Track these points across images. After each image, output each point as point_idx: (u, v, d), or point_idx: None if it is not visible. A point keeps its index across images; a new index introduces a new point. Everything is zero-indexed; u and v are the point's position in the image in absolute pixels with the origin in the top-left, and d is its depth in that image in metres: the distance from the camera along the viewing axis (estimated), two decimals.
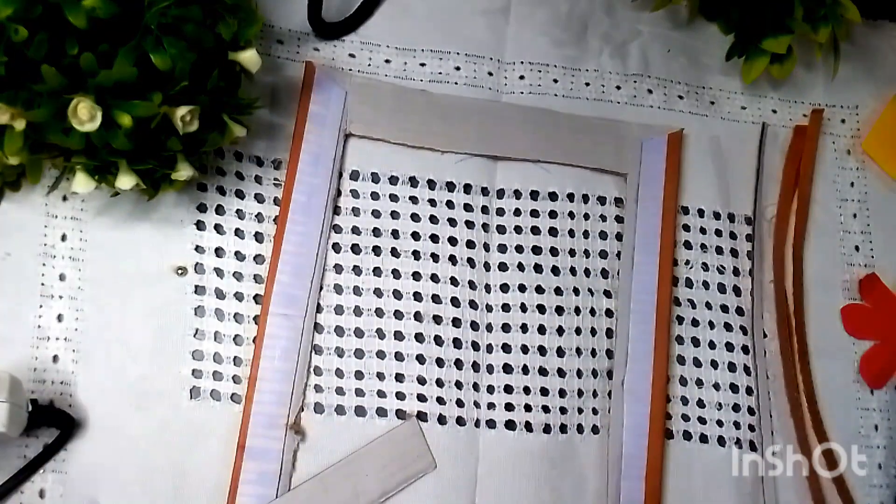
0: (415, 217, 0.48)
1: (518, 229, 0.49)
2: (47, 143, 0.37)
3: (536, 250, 0.49)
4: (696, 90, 0.55)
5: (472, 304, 0.47)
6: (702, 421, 0.48)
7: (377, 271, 0.47)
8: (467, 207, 0.49)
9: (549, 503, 0.45)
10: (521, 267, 0.49)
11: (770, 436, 0.48)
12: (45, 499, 0.40)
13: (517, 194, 0.50)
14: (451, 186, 0.49)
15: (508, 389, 0.46)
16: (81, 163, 0.39)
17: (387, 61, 0.51)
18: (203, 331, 0.44)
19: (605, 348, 0.48)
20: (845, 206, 0.54)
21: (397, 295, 0.47)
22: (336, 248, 0.47)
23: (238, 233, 0.46)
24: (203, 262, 0.45)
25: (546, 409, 0.46)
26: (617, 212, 0.51)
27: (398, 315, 0.47)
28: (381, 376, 0.45)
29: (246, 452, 0.42)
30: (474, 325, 0.47)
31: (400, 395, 0.45)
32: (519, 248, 0.49)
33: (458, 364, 0.46)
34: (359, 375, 0.45)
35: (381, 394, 0.45)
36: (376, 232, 0.48)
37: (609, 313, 0.49)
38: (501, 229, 0.49)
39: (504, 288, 0.48)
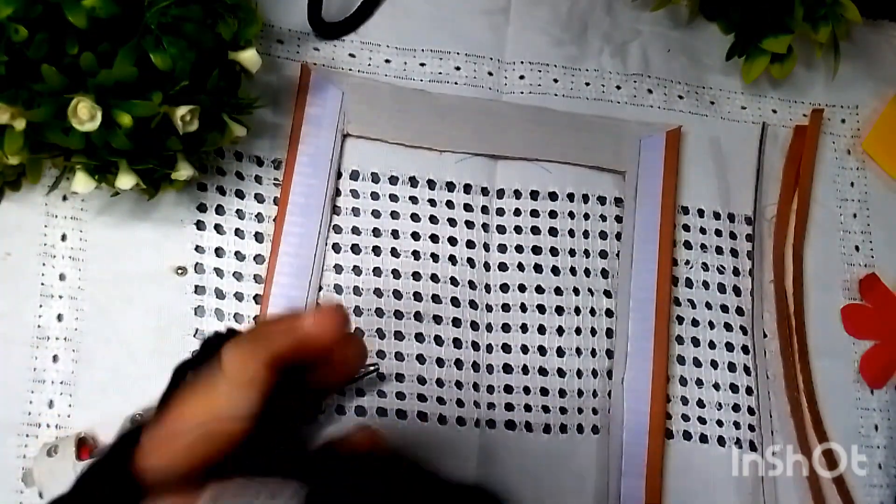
0: (415, 217, 0.48)
1: (518, 229, 0.49)
2: (47, 142, 0.37)
3: (536, 250, 0.49)
4: (696, 90, 0.55)
5: (472, 304, 0.47)
6: (702, 421, 0.48)
7: (377, 271, 0.47)
8: (467, 207, 0.49)
9: (548, 503, 0.45)
10: (521, 267, 0.49)
11: (770, 436, 0.48)
12: (44, 498, 0.40)
13: (517, 194, 0.50)
14: (450, 186, 0.49)
15: (508, 389, 0.46)
16: (81, 162, 0.39)
17: (387, 61, 0.51)
18: (203, 331, 0.44)
19: (605, 348, 0.48)
20: (845, 205, 0.54)
21: (397, 295, 0.47)
22: (336, 248, 0.47)
23: (238, 233, 0.46)
24: (203, 261, 0.45)
25: (546, 408, 0.46)
26: (617, 211, 0.51)
27: (398, 315, 0.46)
28: (381, 376, 0.45)
29: None
30: (474, 325, 0.47)
31: (400, 395, 0.45)
32: (519, 248, 0.49)
33: (458, 364, 0.46)
34: None
35: (381, 394, 0.45)
36: (376, 232, 0.48)
37: (609, 313, 0.49)
38: (501, 229, 0.49)
39: (504, 288, 0.48)
